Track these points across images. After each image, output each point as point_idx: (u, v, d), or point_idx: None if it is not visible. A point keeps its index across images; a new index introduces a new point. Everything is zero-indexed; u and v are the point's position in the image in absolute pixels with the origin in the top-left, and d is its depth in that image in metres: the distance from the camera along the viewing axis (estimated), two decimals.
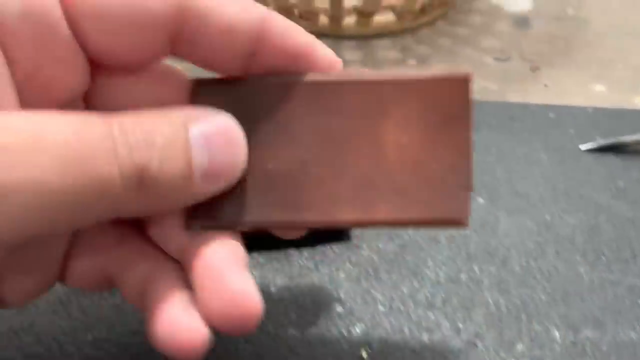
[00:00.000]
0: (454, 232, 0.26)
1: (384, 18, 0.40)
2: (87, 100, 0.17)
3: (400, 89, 0.16)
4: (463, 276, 0.24)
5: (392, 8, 0.39)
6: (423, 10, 0.40)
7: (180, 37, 0.16)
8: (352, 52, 0.40)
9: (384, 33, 0.40)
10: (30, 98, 0.15)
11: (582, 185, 0.28)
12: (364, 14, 0.38)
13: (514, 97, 0.36)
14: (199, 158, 0.15)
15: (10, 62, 0.14)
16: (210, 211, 0.16)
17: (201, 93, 0.17)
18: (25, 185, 0.12)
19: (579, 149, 0.30)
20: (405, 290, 0.24)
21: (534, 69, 0.38)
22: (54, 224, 0.13)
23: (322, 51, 0.17)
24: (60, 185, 0.13)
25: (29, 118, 0.13)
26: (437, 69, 0.17)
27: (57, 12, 0.15)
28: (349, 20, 0.39)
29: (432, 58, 0.39)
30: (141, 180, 0.14)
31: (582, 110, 0.32)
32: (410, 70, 0.17)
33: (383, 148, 0.16)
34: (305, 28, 0.39)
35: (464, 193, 0.16)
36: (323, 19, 0.40)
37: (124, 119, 0.14)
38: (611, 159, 0.29)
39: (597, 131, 0.31)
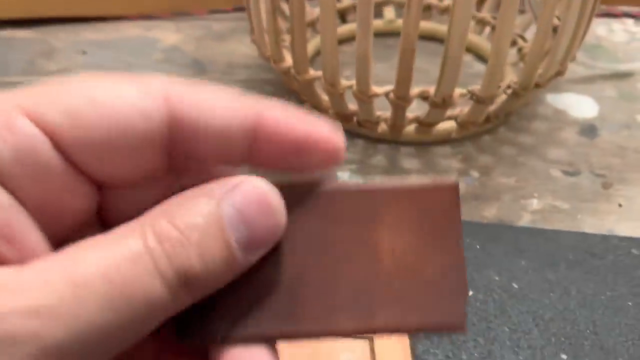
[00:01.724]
0: None
1: (444, 125, 0.38)
2: (102, 213, 0.17)
3: (392, 197, 0.17)
4: None
5: (454, 118, 0.38)
6: (486, 120, 0.38)
7: (175, 148, 0.16)
8: (411, 160, 0.38)
9: (444, 140, 0.39)
10: (46, 228, 0.15)
11: None
12: (425, 125, 0.37)
13: (587, 218, 0.33)
14: (238, 235, 0.15)
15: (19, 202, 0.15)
16: (202, 324, 0.16)
17: None
18: (76, 337, 0.12)
19: None
20: None
21: (606, 185, 0.36)
22: (109, 353, 0.13)
23: (323, 140, 0.16)
24: (109, 322, 0.13)
25: (61, 266, 0.13)
26: (425, 179, 0.17)
27: (47, 147, 0.15)
28: (409, 128, 0.38)
29: (496, 169, 0.37)
30: (185, 282, 0.14)
31: None
32: (402, 180, 0.17)
33: (378, 254, 0.17)
34: (364, 134, 0.37)
35: (460, 298, 0.16)
36: (382, 126, 0.39)
37: (155, 221, 0.14)
38: None
39: None
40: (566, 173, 0.37)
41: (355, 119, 0.39)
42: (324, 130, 0.16)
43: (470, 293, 0.28)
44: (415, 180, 0.17)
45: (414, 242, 0.16)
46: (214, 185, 0.15)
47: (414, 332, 0.16)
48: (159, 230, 0.14)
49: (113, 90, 0.15)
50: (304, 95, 0.40)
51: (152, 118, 0.15)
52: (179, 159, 0.16)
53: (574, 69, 0.45)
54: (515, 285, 0.28)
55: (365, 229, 0.17)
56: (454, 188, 0.17)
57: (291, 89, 0.42)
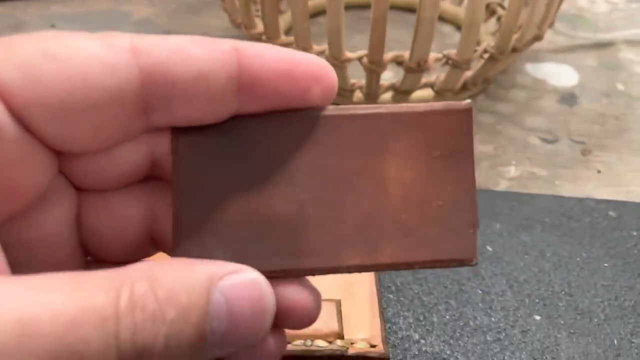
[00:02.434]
0: (509, 357, 0.23)
1: (421, 93, 0.38)
2: (68, 175, 0.15)
3: (399, 123, 0.16)
4: None
5: (430, 85, 0.37)
6: (464, 87, 0.38)
7: (151, 106, 0.14)
8: None
9: None
10: None
11: None
12: (401, 92, 0.36)
13: (565, 184, 0.33)
14: (216, 325, 0.13)
15: None
16: (200, 251, 0.15)
17: (182, 144, 0.15)
18: None
19: None
20: None
21: (585, 152, 0.35)
22: None
23: (307, 62, 0.15)
24: None
25: (15, 305, 0.11)
26: (436, 102, 0.16)
27: None
28: (385, 96, 0.37)
29: (474, 137, 0.36)
30: (141, 356, 0.12)
31: None
32: (410, 104, 0.16)
33: (385, 186, 0.15)
34: (340, 103, 0.37)
35: (471, 231, 0.15)
36: (358, 94, 0.38)
37: (137, 280, 0.12)
38: None
39: None
40: (545, 140, 0.36)
41: None
42: (312, 61, 0.15)
43: None
44: (425, 104, 0.16)
45: (423, 171, 0.15)
46: (212, 267, 0.13)
47: (421, 267, 0.15)
48: (137, 294, 0.12)
49: (74, 44, 0.13)
50: None
51: (119, 72, 0.13)
52: (157, 117, 0.14)
53: (554, 39, 0.45)
54: (490, 248, 0.27)
55: (372, 158, 0.15)
56: (468, 111, 0.16)
57: None
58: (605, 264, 0.26)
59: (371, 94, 0.37)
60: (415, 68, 0.33)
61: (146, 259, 0.17)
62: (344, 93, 0.37)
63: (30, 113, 0.13)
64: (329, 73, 0.15)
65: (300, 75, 0.15)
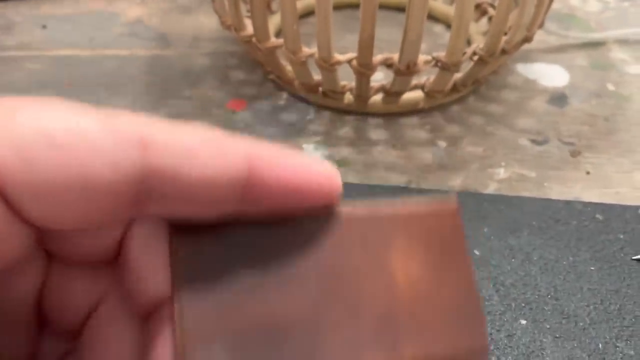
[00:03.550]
0: None
1: (411, 95, 0.38)
2: (49, 248, 0.15)
3: (399, 222, 0.16)
4: None
5: (421, 87, 0.37)
6: (454, 89, 0.38)
7: (148, 198, 0.13)
8: (378, 132, 0.37)
9: (412, 110, 0.38)
10: None
11: (637, 305, 0.25)
12: (391, 94, 0.36)
13: (554, 186, 0.33)
14: None
15: None
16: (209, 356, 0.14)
17: (181, 245, 0.15)
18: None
19: (631, 259, 0.27)
20: None
21: (575, 153, 0.36)
22: None
23: (321, 183, 0.15)
24: None
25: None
26: (426, 199, 0.17)
27: None
28: (376, 98, 0.38)
29: (464, 139, 0.37)
30: None
31: (631, 211, 0.30)
32: (403, 202, 0.17)
33: (395, 281, 0.16)
34: (330, 105, 0.37)
35: (479, 319, 0.16)
36: (348, 97, 0.38)
37: None
38: None
39: None
40: (534, 142, 0.37)
41: (320, 89, 0.38)
42: (321, 172, 0.14)
43: None
44: (416, 201, 0.17)
45: (427, 266, 0.16)
46: None
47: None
48: None
49: (77, 127, 0.12)
50: (269, 66, 0.39)
51: (123, 169, 0.12)
52: (150, 209, 0.14)
53: (545, 39, 0.45)
54: (477, 252, 0.27)
55: (377, 256, 0.16)
56: (455, 212, 0.17)
57: (256, 60, 0.41)
58: (592, 268, 0.27)
59: (361, 96, 0.37)
60: (404, 71, 0.33)
61: None
62: (335, 95, 0.37)
63: (19, 194, 0.12)
64: (338, 186, 0.15)
65: (311, 193, 0.14)
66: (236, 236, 0.15)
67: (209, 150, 0.13)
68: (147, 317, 0.15)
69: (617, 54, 0.44)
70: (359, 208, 0.16)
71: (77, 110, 0.12)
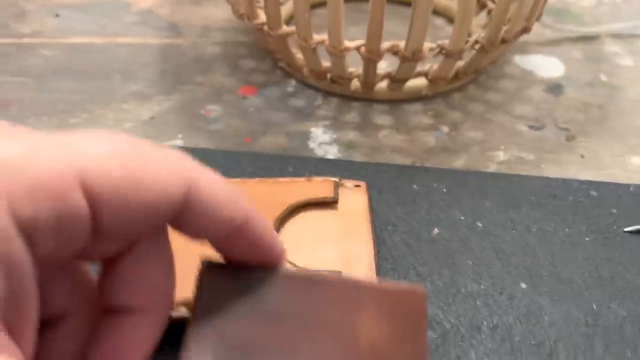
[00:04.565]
0: (497, 320, 0.25)
1: (415, 82, 0.39)
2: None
3: (372, 292, 0.19)
4: None
5: (424, 74, 0.39)
6: (456, 77, 0.39)
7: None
8: (384, 117, 0.39)
9: (416, 97, 0.40)
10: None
11: (628, 272, 0.27)
12: (396, 80, 0.38)
13: (550, 168, 0.35)
14: None
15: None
16: None
17: (209, 272, 0.19)
18: None
19: (623, 231, 0.29)
20: None
21: (570, 138, 0.37)
22: None
23: (278, 251, 0.19)
24: None
25: None
26: (399, 284, 0.20)
27: (85, 220, 0.14)
28: (381, 85, 0.39)
29: (465, 124, 0.38)
30: None
31: (624, 188, 0.31)
32: (380, 282, 0.21)
33: (357, 339, 0.19)
34: (337, 91, 0.39)
35: None
36: (355, 83, 0.39)
37: None
38: None
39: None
40: (532, 127, 0.38)
41: (328, 76, 0.39)
42: (258, 224, 0.18)
43: (436, 231, 0.29)
44: (392, 282, 0.20)
45: (387, 335, 0.19)
46: None
47: None
48: None
49: (155, 175, 0.15)
50: (279, 54, 0.41)
51: (176, 205, 0.16)
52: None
53: (541, 32, 0.47)
54: (480, 224, 0.29)
55: (347, 316, 0.19)
56: (423, 295, 0.20)
57: (266, 49, 0.43)
58: (587, 238, 0.28)
59: (368, 83, 0.39)
60: (410, 57, 0.35)
61: None
62: (342, 81, 0.39)
63: (102, 207, 0.15)
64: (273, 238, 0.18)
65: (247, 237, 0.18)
66: (251, 285, 0.19)
67: (229, 204, 0.17)
68: (108, 313, 0.17)
69: (611, 47, 0.46)
70: (343, 276, 0.19)
71: (153, 150, 0.16)
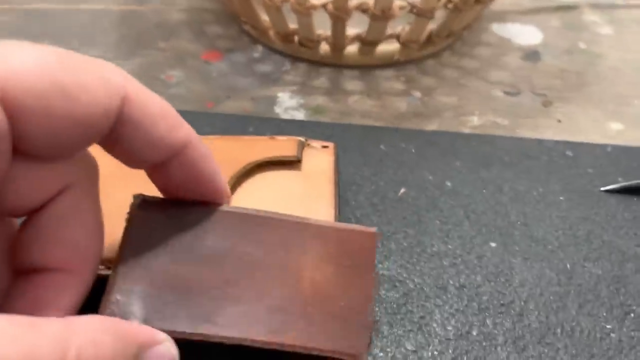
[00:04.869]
0: (464, 280, 0.23)
1: (387, 47, 0.38)
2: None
3: (320, 232, 0.19)
4: (474, 331, 0.22)
5: (396, 37, 0.37)
6: (429, 41, 0.38)
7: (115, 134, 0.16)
8: (354, 83, 0.37)
9: (388, 63, 0.38)
10: None
11: (604, 231, 0.25)
12: (367, 43, 0.36)
13: (526, 133, 0.33)
14: None
15: None
16: (127, 307, 0.17)
17: (141, 208, 0.18)
18: None
19: (600, 191, 0.27)
20: (409, 346, 0.21)
21: (546, 104, 0.36)
22: None
23: (221, 185, 0.18)
24: None
25: None
26: (352, 225, 0.20)
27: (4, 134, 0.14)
28: (351, 49, 0.38)
29: (438, 90, 0.37)
30: None
31: (601, 148, 0.30)
32: (330, 221, 0.20)
33: (299, 281, 0.18)
34: (306, 56, 0.37)
35: (363, 332, 0.18)
36: (324, 47, 0.38)
37: (85, 346, 0.13)
38: (635, 202, 0.27)
39: (617, 171, 0.28)
40: (507, 93, 0.37)
41: (296, 39, 0.37)
42: (199, 150, 0.17)
43: (403, 190, 0.27)
44: (342, 224, 0.19)
45: (332, 275, 0.18)
46: (141, 336, 0.15)
47: (318, 353, 0.18)
48: (84, 357, 0.13)
49: (85, 85, 0.15)
50: (244, 16, 0.39)
51: (110, 116, 0.15)
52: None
53: (519, 1, 0.45)
54: (449, 184, 0.28)
55: (292, 256, 0.18)
56: (374, 234, 0.19)
57: (232, 13, 0.41)
58: (561, 197, 0.27)
59: (337, 45, 0.37)
60: (380, 15, 0.33)
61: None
62: (310, 44, 0.37)
63: (24, 121, 0.14)
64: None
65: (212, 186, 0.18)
66: (180, 217, 0.18)
67: (166, 121, 0.16)
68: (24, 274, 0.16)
69: (589, 16, 0.45)
70: (292, 216, 0.19)
71: (77, 58, 0.15)
